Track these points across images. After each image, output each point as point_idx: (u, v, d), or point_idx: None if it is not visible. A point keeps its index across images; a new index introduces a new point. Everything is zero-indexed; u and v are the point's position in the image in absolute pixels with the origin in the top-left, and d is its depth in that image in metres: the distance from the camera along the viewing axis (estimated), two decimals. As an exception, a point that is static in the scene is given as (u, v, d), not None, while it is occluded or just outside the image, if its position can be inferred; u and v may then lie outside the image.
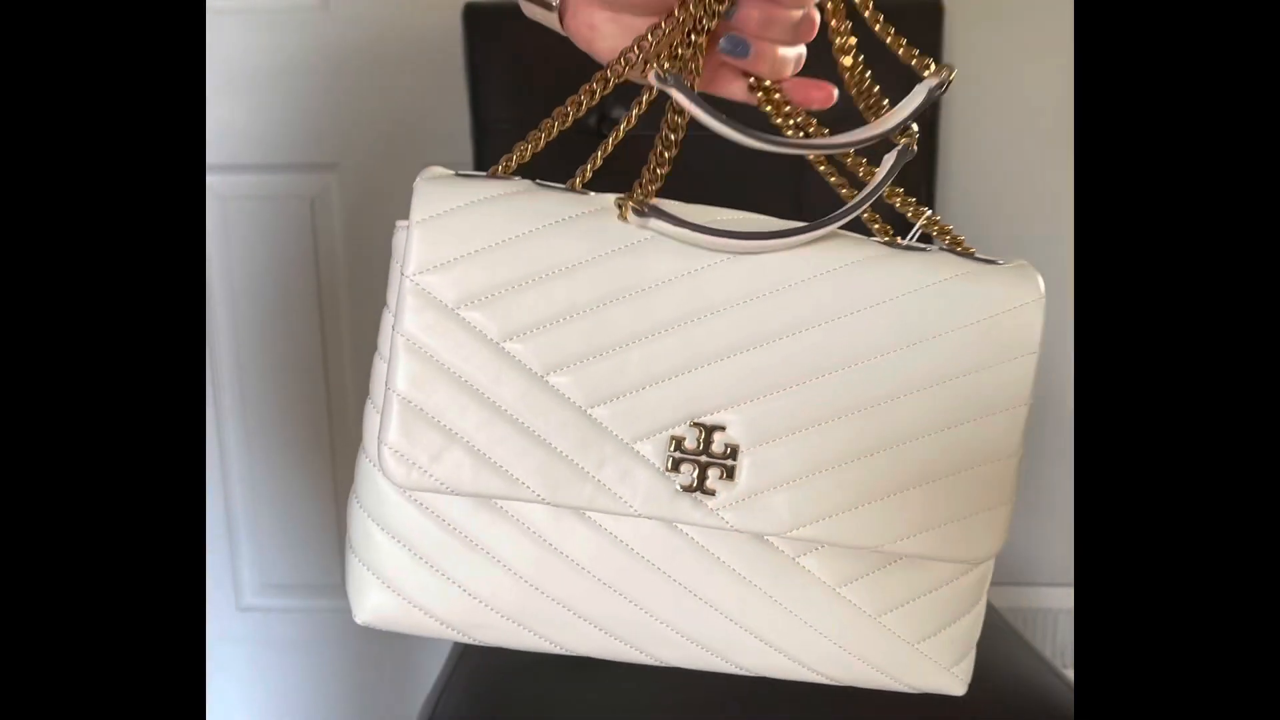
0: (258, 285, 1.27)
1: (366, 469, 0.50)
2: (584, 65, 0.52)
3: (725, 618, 0.49)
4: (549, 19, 0.49)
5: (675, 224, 0.46)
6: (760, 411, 0.47)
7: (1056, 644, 1.35)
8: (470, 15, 1.05)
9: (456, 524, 0.49)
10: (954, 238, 0.50)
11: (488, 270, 0.46)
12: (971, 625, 0.52)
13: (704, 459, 0.47)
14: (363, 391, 0.54)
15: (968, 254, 0.49)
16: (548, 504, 0.48)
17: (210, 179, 1.22)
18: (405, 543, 0.49)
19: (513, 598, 0.49)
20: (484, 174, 0.48)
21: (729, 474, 0.47)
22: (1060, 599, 1.34)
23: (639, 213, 0.46)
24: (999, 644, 0.86)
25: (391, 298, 0.48)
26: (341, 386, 1.30)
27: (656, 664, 0.51)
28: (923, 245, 0.49)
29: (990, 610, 0.93)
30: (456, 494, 0.48)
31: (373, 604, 0.50)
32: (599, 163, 0.49)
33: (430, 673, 1.25)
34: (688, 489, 0.47)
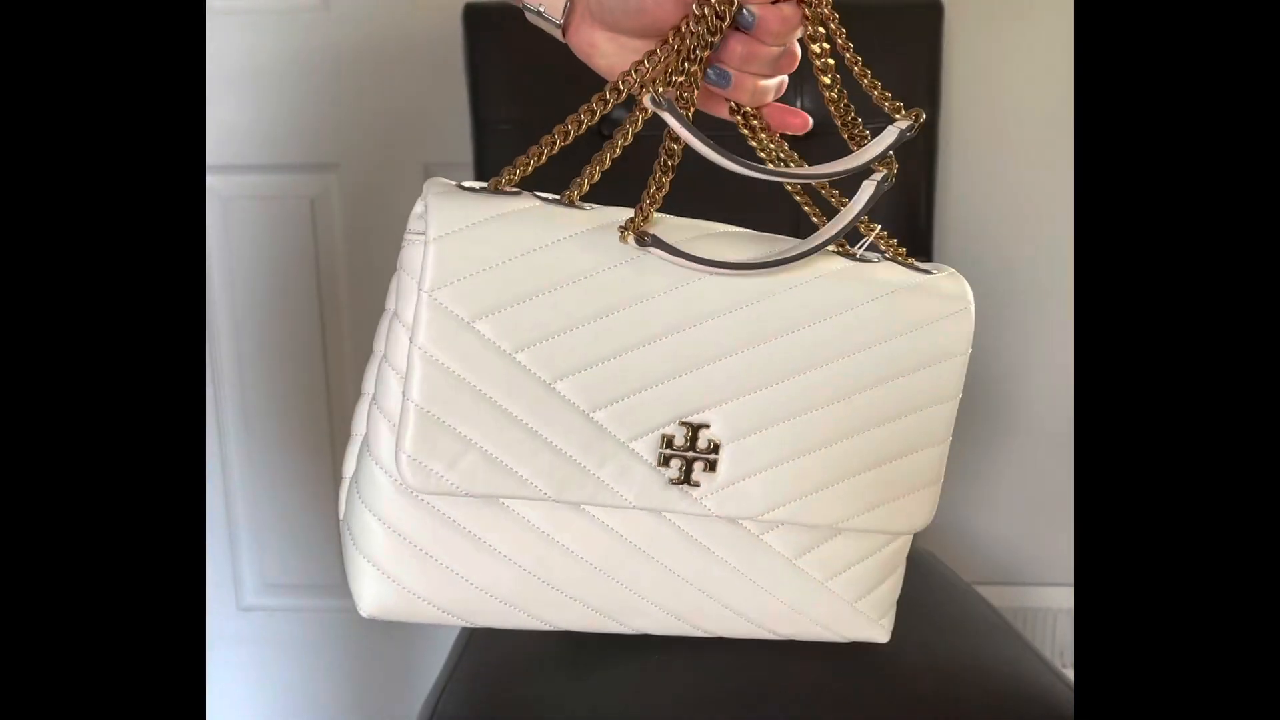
0: (258, 285, 1.27)
1: (369, 468, 0.50)
2: (583, 67, 0.53)
3: (698, 590, 0.55)
4: (553, 31, 0.51)
5: (672, 253, 0.49)
6: (738, 410, 0.51)
7: (1056, 644, 1.35)
8: (470, 15, 1.05)
9: (460, 520, 0.51)
10: (896, 249, 0.55)
11: (499, 285, 0.48)
12: (895, 584, 0.60)
13: (690, 454, 0.51)
14: (363, 391, 0.54)
15: (908, 264, 0.55)
16: (552, 501, 0.51)
17: (211, 179, 1.22)
18: (409, 538, 0.51)
19: (511, 585, 0.52)
20: (485, 185, 0.50)
21: (711, 466, 0.52)
22: (1060, 599, 1.34)
23: (640, 241, 0.49)
24: (999, 644, 0.86)
25: (407, 310, 0.49)
26: (341, 386, 1.30)
27: (630, 632, 0.55)
28: (872, 256, 0.54)
29: (990, 610, 0.93)
30: (469, 495, 0.50)
31: (376, 596, 0.52)
32: (596, 177, 0.51)
33: (431, 672, 1.25)
34: (676, 482, 0.52)
